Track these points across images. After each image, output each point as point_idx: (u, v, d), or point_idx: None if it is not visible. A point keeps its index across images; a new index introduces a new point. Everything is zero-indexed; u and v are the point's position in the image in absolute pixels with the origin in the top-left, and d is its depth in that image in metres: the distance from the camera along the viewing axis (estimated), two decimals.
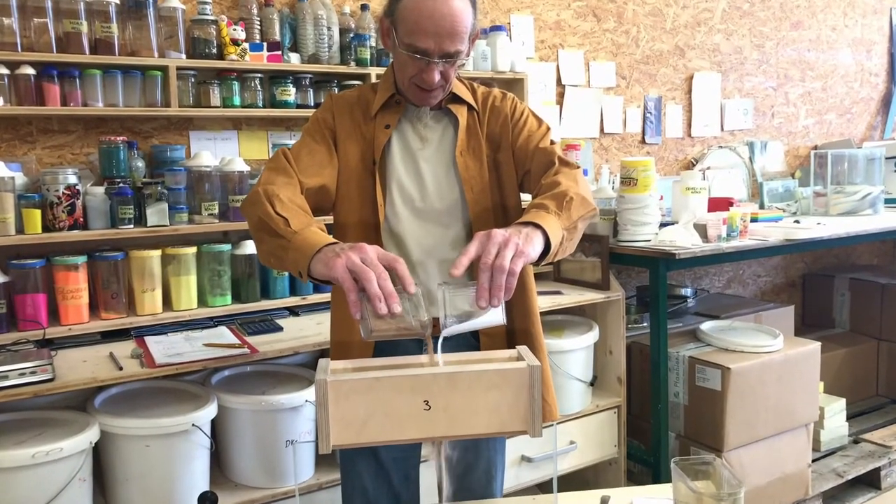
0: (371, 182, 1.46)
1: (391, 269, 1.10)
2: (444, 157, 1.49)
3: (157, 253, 2.05)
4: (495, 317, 1.13)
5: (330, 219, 1.51)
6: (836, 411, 3.11)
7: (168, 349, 1.88)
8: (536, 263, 1.22)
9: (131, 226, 2.02)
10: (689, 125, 3.58)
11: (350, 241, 1.46)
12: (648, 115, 3.42)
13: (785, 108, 3.96)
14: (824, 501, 2.84)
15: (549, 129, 1.53)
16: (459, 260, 1.10)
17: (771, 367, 2.54)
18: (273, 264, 1.27)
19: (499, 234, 1.13)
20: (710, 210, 2.65)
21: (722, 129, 3.70)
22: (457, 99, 1.50)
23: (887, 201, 3.51)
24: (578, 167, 1.45)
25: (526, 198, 1.56)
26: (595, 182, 3.05)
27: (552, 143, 1.50)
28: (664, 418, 2.48)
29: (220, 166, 2.18)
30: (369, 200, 1.46)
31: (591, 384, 2.49)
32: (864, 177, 3.54)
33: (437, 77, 1.38)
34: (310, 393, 1.92)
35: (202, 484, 1.83)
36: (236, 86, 2.27)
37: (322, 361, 1.14)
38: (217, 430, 1.93)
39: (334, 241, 1.18)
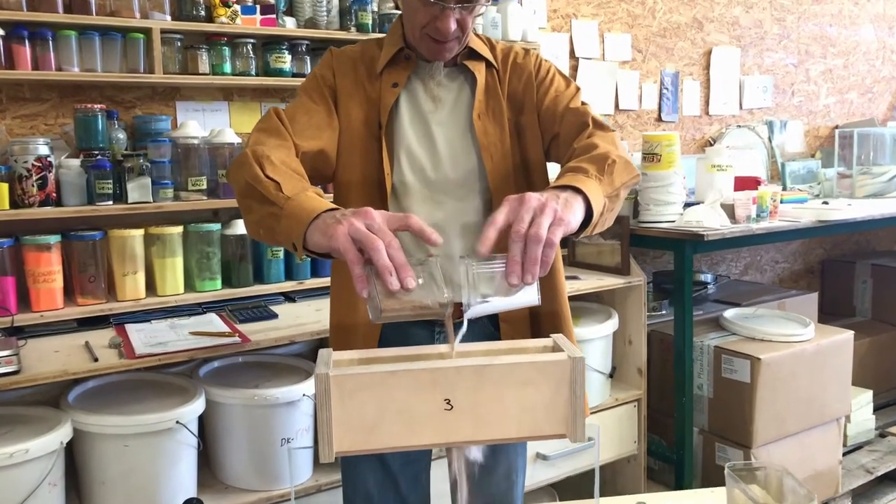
0: (377, 148, 1.28)
1: (404, 230, 0.92)
2: (459, 121, 1.31)
3: (139, 232, 1.87)
4: (529, 296, 0.95)
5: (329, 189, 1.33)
6: (862, 403, 2.94)
7: (150, 338, 1.70)
8: (575, 235, 1.04)
9: (110, 202, 1.83)
10: (707, 103, 3.39)
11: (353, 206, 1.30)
12: (665, 91, 3.23)
13: (805, 85, 3.77)
14: (853, 499, 2.68)
15: (578, 89, 1.35)
16: (485, 232, 0.92)
17: (802, 357, 2.37)
18: (263, 237, 1.09)
19: (533, 197, 0.94)
20: (736, 190, 2.47)
21: (741, 108, 3.51)
22: (474, 54, 1.32)
23: None
24: (614, 131, 1.27)
25: (552, 168, 1.38)
26: None
27: (583, 103, 1.32)
28: (689, 412, 2.31)
29: (209, 138, 1.99)
30: (374, 169, 1.28)
31: (611, 376, 2.32)
32: (891, 157, 3.36)
33: (453, 26, 1.20)
34: (308, 386, 1.74)
35: (188, 487, 1.66)
36: (227, 52, 2.08)
37: (323, 352, 0.96)
38: (205, 428, 1.76)
39: (334, 206, 0.99)
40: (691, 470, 2.35)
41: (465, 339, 0.96)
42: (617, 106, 3.08)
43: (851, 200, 3.04)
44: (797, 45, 3.69)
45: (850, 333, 2.53)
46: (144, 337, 1.70)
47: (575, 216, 0.98)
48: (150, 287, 1.93)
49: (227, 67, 2.08)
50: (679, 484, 2.35)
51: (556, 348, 0.99)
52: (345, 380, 0.90)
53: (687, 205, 2.37)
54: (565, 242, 1.82)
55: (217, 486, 1.77)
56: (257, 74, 2.15)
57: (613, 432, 2.34)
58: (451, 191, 1.29)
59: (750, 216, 2.30)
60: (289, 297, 2.10)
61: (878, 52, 4.05)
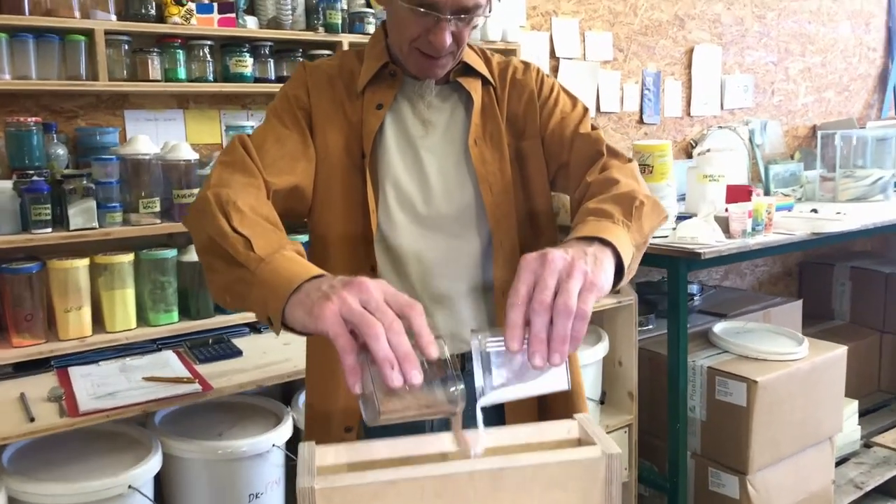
0: (359, 180, 1.10)
1: (403, 319, 0.75)
2: (453, 147, 1.14)
3: (83, 262, 1.66)
4: (557, 380, 0.79)
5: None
6: (848, 414, 2.87)
7: (98, 386, 1.50)
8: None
9: (48, 229, 1.62)
10: (689, 103, 3.27)
11: (333, 261, 1.12)
12: (646, 91, 3.09)
13: (785, 84, 3.68)
14: None
15: (586, 110, 1.19)
16: (510, 317, 0.75)
17: (797, 377, 2.27)
18: (230, 304, 0.90)
19: (557, 257, 0.78)
20: (728, 200, 2.35)
21: (722, 108, 3.40)
22: (469, 70, 1.15)
23: None
24: (631, 160, 1.11)
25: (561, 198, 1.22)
26: None
27: (594, 127, 1.16)
28: (682, 440, 2.18)
29: (162, 154, 1.78)
30: (357, 205, 1.10)
31: (601, 402, 2.19)
32: (873, 159, 3.28)
33: (448, 40, 1.03)
34: (278, 435, 1.57)
35: None
36: (181, 55, 1.87)
37: (304, 451, 0.78)
38: (162, 484, 1.56)
39: (319, 272, 0.81)
40: (685, 499, 2.23)
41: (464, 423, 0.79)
42: (598, 108, 2.93)
43: (836, 205, 2.95)
44: (777, 43, 3.60)
45: (843, 349, 2.44)
46: (91, 385, 1.50)
47: (607, 276, 0.82)
48: (98, 322, 1.72)
49: (182, 73, 1.87)
50: None
51: (584, 439, 0.83)
52: (333, 493, 0.73)
53: (679, 217, 2.24)
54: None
55: None
56: (215, 80, 1.95)
57: None
58: (445, 227, 1.12)
59: (745, 230, 2.18)
60: (254, 327, 1.90)
61: (854, 48, 3.99)
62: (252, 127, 1.92)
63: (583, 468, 0.77)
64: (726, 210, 2.24)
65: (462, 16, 1.02)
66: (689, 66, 3.25)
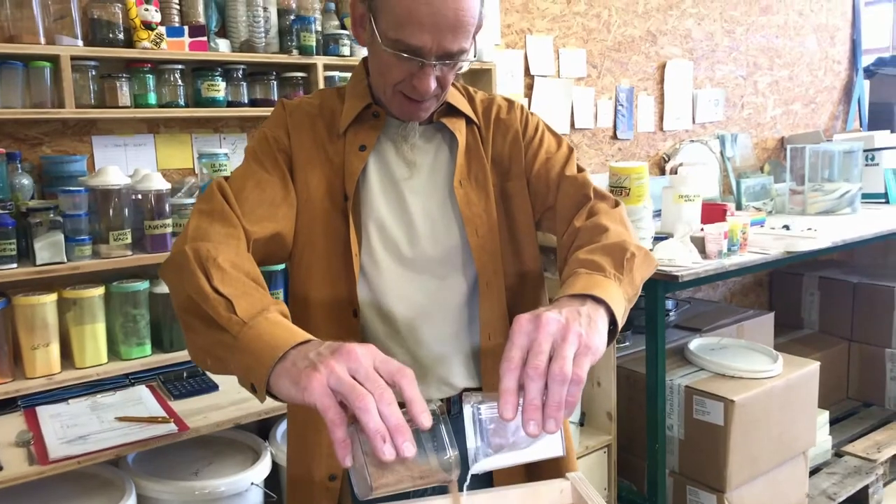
0: (341, 223, 1.08)
1: (394, 386, 0.72)
2: (437, 189, 1.12)
3: (50, 298, 1.60)
4: (551, 447, 0.78)
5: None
6: (820, 425, 2.91)
7: (68, 428, 1.45)
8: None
9: (14, 265, 1.56)
10: (661, 118, 3.29)
11: (315, 306, 1.09)
12: (620, 107, 3.11)
13: (754, 97, 3.73)
14: None
15: (571, 150, 1.17)
16: (504, 382, 0.73)
17: (774, 394, 2.29)
18: (211, 367, 0.87)
19: (552, 320, 0.76)
20: (703, 220, 2.36)
21: (693, 122, 3.43)
22: (452, 110, 1.13)
23: (863, 196, 3.33)
24: (619, 203, 1.10)
25: (545, 238, 1.21)
26: None
27: (580, 169, 1.14)
28: (661, 459, 2.19)
29: (133, 184, 1.73)
30: (339, 248, 1.08)
31: (581, 424, 2.18)
32: (840, 171, 3.34)
33: (432, 84, 1.01)
34: (256, 472, 1.53)
35: None
36: (150, 80, 1.82)
37: None
38: None
39: (305, 337, 0.79)
40: None
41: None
42: (573, 124, 2.94)
43: (809, 220, 2.98)
44: (746, 58, 3.64)
45: (816, 365, 2.47)
46: (60, 427, 1.45)
47: (601, 338, 0.81)
48: (67, 358, 1.66)
49: (152, 98, 1.83)
50: None
51: (578, 500, 0.82)
52: None
53: (656, 238, 2.25)
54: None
55: None
56: (186, 105, 1.90)
57: None
58: (430, 270, 1.10)
59: (721, 251, 2.19)
60: None
61: (820, 62, 4.06)
62: (226, 155, 1.87)
63: None
64: (702, 230, 2.26)
65: (447, 61, 1.00)
66: (662, 81, 3.27)
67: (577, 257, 0.95)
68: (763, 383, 2.28)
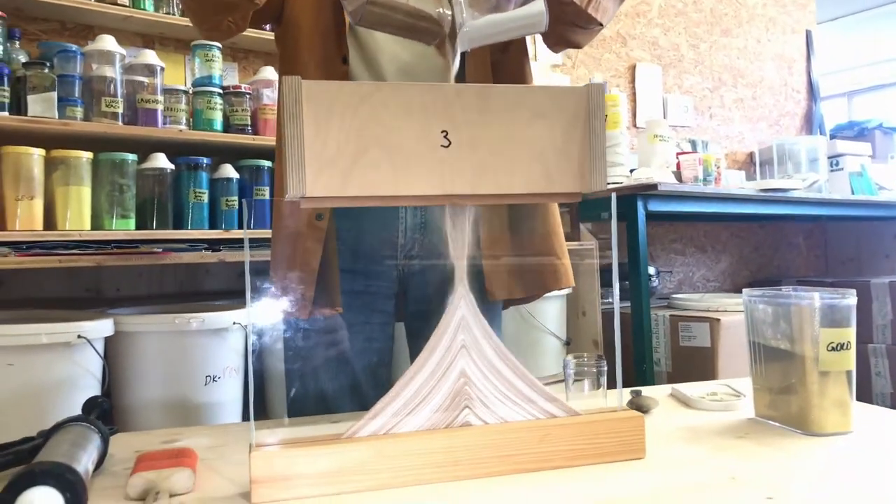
0: None
1: None
2: None
3: (38, 151, 1.61)
4: (534, 8, 0.81)
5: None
6: None
7: None
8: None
9: (4, 112, 1.58)
10: (635, 115, 3.44)
11: (305, 50, 1.12)
12: None
13: (721, 110, 3.92)
14: None
15: None
16: None
17: None
18: None
19: None
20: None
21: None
22: None
23: None
24: None
25: None
26: None
27: None
28: (650, 379, 2.15)
29: (130, 61, 1.78)
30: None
31: (567, 343, 2.15)
32: (808, 168, 3.48)
33: None
34: (240, 314, 1.50)
35: None
36: None
37: (289, 79, 0.77)
38: (112, 363, 1.46)
39: None
40: None
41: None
42: None
43: None
44: (711, 72, 3.86)
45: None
46: None
47: None
48: (50, 218, 1.65)
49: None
50: None
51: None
52: (320, 92, 0.72)
53: (633, 171, 2.31)
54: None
55: (124, 429, 1.45)
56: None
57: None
58: None
59: (697, 177, 2.26)
60: (213, 247, 1.85)
61: (781, 88, 4.30)
62: None
63: (567, 98, 0.78)
64: (678, 166, 2.33)
65: None
66: (633, 80, 3.45)
67: None
68: None
